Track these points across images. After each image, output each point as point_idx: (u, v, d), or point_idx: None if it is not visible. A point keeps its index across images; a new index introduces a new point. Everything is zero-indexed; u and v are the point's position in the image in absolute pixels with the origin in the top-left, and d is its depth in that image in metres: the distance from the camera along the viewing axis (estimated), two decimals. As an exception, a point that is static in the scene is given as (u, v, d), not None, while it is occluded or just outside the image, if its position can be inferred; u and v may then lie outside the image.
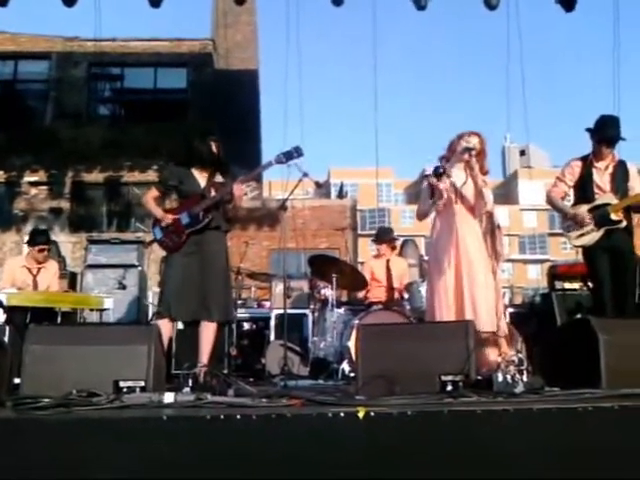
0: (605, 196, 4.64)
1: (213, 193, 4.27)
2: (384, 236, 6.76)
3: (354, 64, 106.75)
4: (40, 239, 6.32)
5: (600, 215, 4.58)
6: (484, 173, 4.19)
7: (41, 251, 6.26)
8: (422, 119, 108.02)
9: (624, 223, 4.59)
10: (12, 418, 2.45)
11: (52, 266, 6.48)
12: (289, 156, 4.26)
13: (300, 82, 10.23)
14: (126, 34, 16.55)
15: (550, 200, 4.92)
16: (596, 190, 4.67)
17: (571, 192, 4.88)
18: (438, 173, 4.06)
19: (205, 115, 14.75)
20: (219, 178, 4.38)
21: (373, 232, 7.30)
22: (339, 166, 50.24)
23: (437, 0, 7.60)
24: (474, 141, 4.20)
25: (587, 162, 4.73)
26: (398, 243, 7.41)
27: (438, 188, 4.08)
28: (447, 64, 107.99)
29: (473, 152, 4.11)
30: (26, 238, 6.58)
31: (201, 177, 4.36)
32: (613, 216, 4.57)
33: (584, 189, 4.72)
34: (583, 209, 4.64)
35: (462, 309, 3.97)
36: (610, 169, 4.69)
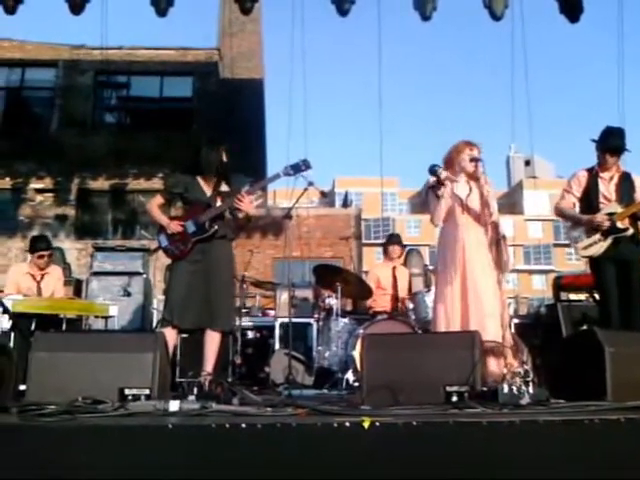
0: (610, 205, 4.64)
1: (219, 202, 4.28)
2: (396, 239, 6.79)
3: (360, 74, 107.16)
4: (39, 246, 6.30)
5: None
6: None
7: (41, 257, 6.23)
8: (427, 129, 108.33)
9: (631, 230, 4.59)
10: (17, 425, 2.45)
11: (56, 271, 6.47)
12: (297, 169, 4.26)
13: (305, 91, 10.25)
14: (133, 42, 16.68)
15: (560, 212, 4.91)
16: (602, 200, 4.67)
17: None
18: (434, 171, 4.12)
19: (210, 124, 14.81)
20: (224, 187, 4.39)
21: (378, 241, 7.35)
22: (344, 175, 50.37)
23: (442, 10, 7.64)
24: (476, 151, 4.23)
25: (593, 173, 4.75)
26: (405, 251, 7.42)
27: (440, 182, 4.10)
28: (452, 74, 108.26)
29: (480, 163, 4.14)
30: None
31: (206, 186, 4.36)
32: (619, 224, 4.56)
33: (590, 199, 4.72)
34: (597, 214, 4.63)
35: (468, 319, 3.96)
36: (615, 179, 4.70)
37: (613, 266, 4.56)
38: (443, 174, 4.11)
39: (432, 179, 4.17)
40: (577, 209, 4.86)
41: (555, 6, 7.84)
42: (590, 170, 4.77)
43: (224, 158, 4.34)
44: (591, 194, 4.71)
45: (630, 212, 4.59)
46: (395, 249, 6.64)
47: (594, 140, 4.74)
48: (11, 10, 7.59)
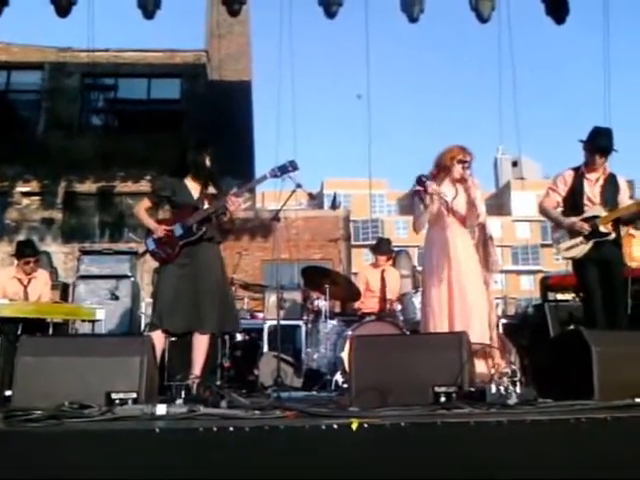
0: (594, 208, 4.66)
1: (206, 205, 4.27)
2: (385, 248, 6.79)
3: (348, 75, 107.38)
4: (25, 252, 6.28)
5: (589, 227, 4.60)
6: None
7: (27, 263, 6.22)
8: (415, 130, 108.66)
9: (613, 235, 4.62)
10: (3, 430, 2.43)
11: (43, 275, 6.45)
12: (284, 170, 4.26)
13: (293, 93, 10.30)
14: (120, 45, 16.63)
15: (543, 210, 4.93)
16: (586, 202, 4.69)
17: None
18: (421, 181, 4.13)
19: (198, 126, 14.76)
20: (211, 189, 4.37)
21: (366, 243, 7.38)
22: (333, 177, 50.39)
23: (429, 12, 7.67)
24: (469, 158, 4.26)
25: (579, 173, 4.76)
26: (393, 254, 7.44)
27: (427, 192, 4.11)
28: (440, 75, 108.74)
29: (466, 165, 4.18)
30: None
31: (194, 188, 4.35)
32: (602, 228, 4.59)
33: (574, 200, 4.74)
34: (577, 219, 4.66)
35: (455, 320, 3.98)
36: (601, 181, 4.72)
37: (595, 267, 4.59)
38: (430, 187, 4.11)
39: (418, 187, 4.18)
40: (560, 208, 4.87)
41: (541, 8, 7.90)
42: (576, 170, 4.78)
43: (208, 161, 4.33)
44: (576, 194, 4.73)
45: (613, 217, 4.62)
46: (381, 259, 6.66)
47: (582, 140, 4.76)
48: (-4, 12, 7.53)
